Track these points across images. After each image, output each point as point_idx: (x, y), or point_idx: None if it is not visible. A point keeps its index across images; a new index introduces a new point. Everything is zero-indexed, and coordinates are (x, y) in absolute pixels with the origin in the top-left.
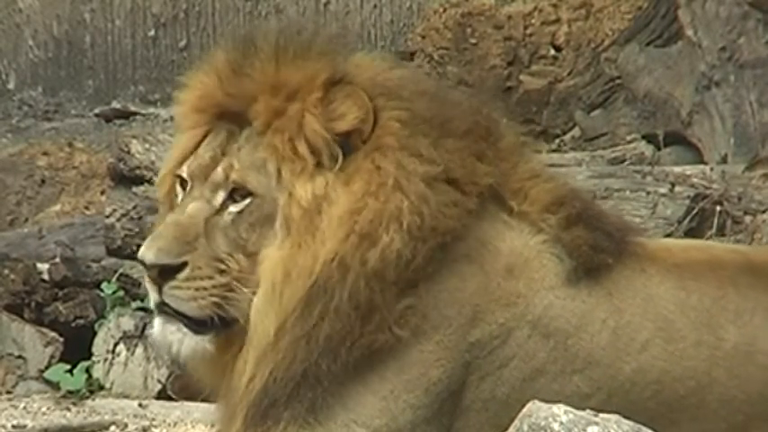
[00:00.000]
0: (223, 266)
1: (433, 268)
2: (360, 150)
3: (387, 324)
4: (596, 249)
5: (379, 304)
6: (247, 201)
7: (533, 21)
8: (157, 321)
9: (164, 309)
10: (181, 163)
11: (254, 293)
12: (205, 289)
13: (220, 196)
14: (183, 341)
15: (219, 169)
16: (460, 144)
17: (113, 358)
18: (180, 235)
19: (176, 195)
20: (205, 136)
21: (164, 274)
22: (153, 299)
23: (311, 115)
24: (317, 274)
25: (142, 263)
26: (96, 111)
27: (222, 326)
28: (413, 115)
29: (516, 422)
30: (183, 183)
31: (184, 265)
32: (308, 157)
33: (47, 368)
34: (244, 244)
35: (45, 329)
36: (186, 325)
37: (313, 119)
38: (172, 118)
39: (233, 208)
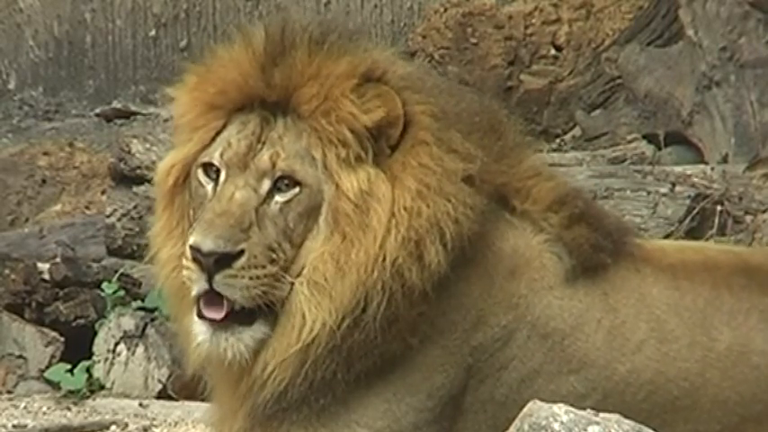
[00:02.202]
0: (274, 256)
1: (446, 273)
2: (398, 148)
3: (402, 334)
4: (596, 248)
5: (401, 315)
6: (295, 190)
7: (534, 20)
8: (206, 330)
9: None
10: (196, 155)
11: (293, 283)
12: (258, 278)
13: (266, 185)
14: (241, 339)
15: (265, 157)
16: (483, 141)
17: (114, 358)
18: (235, 223)
19: (202, 185)
20: (221, 128)
21: (220, 262)
22: (200, 287)
23: (347, 100)
24: (369, 273)
25: (197, 251)
26: (97, 111)
27: (266, 314)
28: (441, 110)
29: (517, 422)
30: (210, 170)
31: (241, 253)
32: (350, 141)
33: (47, 368)
34: (290, 234)
35: (46, 329)
36: (236, 322)
37: (349, 103)
38: (173, 117)
39: (279, 197)
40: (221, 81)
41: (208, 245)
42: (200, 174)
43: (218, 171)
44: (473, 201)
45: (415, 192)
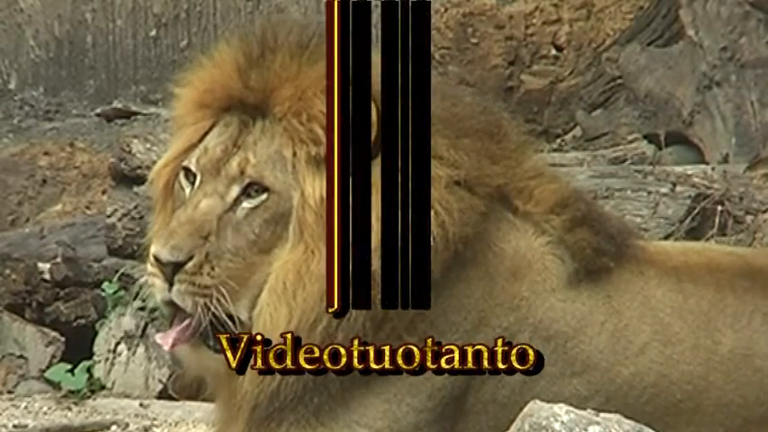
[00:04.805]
0: (225, 264)
1: (442, 275)
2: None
3: (397, 332)
4: (599, 252)
5: (392, 314)
6: (263, 196)
7: (534, 20)
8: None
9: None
10: (183, 155)
11: (257, 292)
12: (200, 286)
13: (234, 191)
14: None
15: (234, 164)
16: (476, 145)
17: (114, 358)
18: (195, 232)
19: (182, 188)
20: (209, 129)
21: (175, 270)
22: (163, 296)
23: (319, 99)
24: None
25: (157, 259)
26: (97, 110)
27: (225, 327)
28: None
29: (517, 421)
30: (189, 175)
31: (191, 260)
32: (321, 138)
33: (48, 368)
34: (255, 239)
35: (46, 329)
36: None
37: (319, 101)
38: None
39: (246, 203)
40: (209, 80)
41: (165, 255)
42: (182, 178)
43: (195, 176)
44: (462, 205)
45: None
